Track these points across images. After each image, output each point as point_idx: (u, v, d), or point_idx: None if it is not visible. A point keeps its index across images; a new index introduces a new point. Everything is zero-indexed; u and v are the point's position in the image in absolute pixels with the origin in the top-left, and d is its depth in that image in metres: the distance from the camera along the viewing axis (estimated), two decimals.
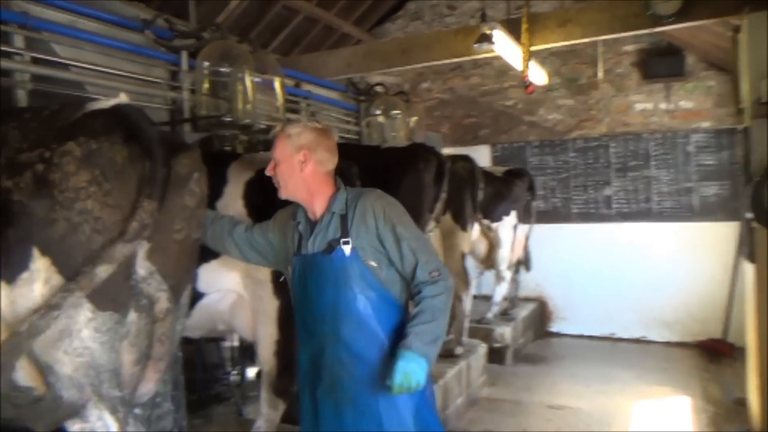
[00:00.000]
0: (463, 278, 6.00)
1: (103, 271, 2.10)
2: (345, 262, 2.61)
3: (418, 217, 5.02)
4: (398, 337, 2.57)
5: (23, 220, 2.01)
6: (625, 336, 8.26)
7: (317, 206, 2.72)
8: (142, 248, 2.25)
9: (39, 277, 2.06)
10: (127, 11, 4.63)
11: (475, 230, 6.64)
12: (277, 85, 4.96)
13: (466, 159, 6.24)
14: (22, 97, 3.46)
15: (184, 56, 4.54)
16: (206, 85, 4.45)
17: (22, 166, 2.05)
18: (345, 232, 2.62)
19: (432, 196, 5.15)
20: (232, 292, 3.39)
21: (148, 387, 2.46)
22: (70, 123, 2.14)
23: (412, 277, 2.63)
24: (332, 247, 2.62)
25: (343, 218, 2.65)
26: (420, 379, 2.45)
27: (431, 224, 5.24)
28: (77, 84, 3.84)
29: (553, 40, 5.64)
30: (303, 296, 2.74)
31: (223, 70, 4.44)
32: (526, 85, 5.48)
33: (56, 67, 3.73)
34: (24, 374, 2.26)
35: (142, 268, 2.27)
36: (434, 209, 5.24)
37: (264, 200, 3.37)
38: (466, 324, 6.16)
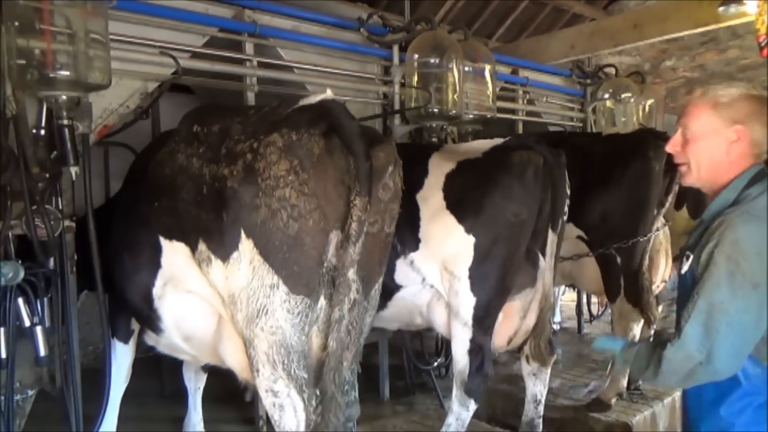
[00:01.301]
0: None
1: (351, 274, 2.30)
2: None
3: (646, 212, 4.48)
4: None
5: (234, 204, 2.24)
6: None
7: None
8: (336, 237, 2.34)
9: (245, 258, 2.27)
10: (349, 12, 4.90)
11: None
12: (487, 73, 4.80)
13: None
14: (250, 99, 3.86)
15: (395, 50, 4.64)
16: (415, 78, 4.49)
17: (236, 155, 2.28)
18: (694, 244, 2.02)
19: (662, 188, 4.54)
20: (430, 286, 3.37)
21: None
22: (281, 117, 2.33)
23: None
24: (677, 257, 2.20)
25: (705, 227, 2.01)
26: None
27: (660, 221, 4.62)
28: (299, 84, 4.17)
29: None
30: None
31: (431, 61, 4.43)
32: (761, 46, 4.46)
33: (281, 69, 4.09)
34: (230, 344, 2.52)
35: (335, 257, 2.36)
36: (665, 203, 4.61)
37: (463, 192, 3.30)
38: None
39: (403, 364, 4.83)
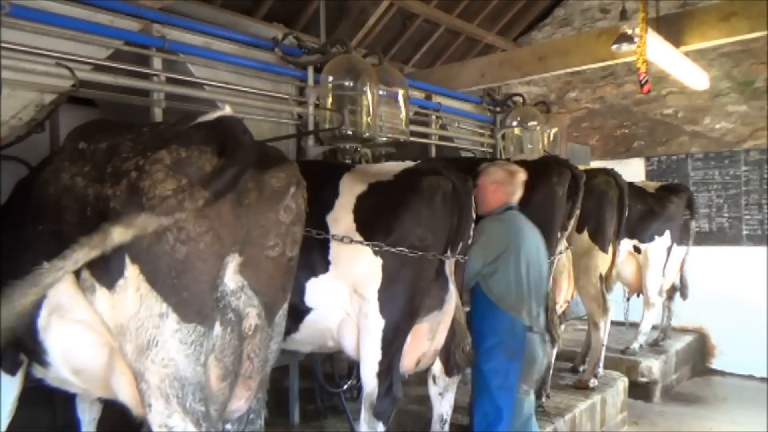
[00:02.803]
0: (601, 303, 5.48)
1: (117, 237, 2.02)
2: None
3: (549, 233, 4.66)
4: None
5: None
6: None
7: None
8: (234, 261, 2.23)
9: (132, 285, 2.10)
10: (264, 31, 4.87)
11: (622, 251, 6.06)
12: (401, 97, 4.90)
13: (609, 173, 5.69)
14: (158, 115, 3.74)
15: (310, 72, 4.66)
16: (330, 99, 4.52)
17: (121, 173, 2.12)
18: None
19: (565, 211, 4.77)
20: (340, 309, 3.34)
21: (239, 404, 2.44)
22: (174, 134, 2.18)
23: None
24: None
25: None
26: None
27: (563, 243, 4.86)
28: (210, 102, 4.09)
29: (713, 37, 4.95)
30: None
31: (345, 83, 4.48)
32: (641, 83, 4.90)
33: (191, 86, 4.00)
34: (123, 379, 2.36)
35: (233, 281, 2.25)
36: (567, 226, 4.86)
37: (373, 215, 3.32)
38: (603, 353, 5.59)
39: (314, 387, 4.77)
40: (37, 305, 2.35)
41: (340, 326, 3.41)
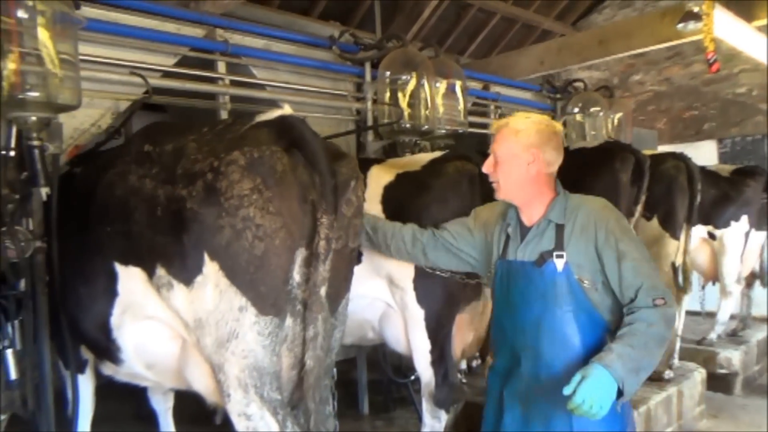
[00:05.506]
0: (673, 292, 5.27)
1: (323, 290, 2.25)
2: (555, 278, 2.41)
3: None
4: None
5: (195, 226, 2.16)
6: None
7: (534, 211, 2.53)
8: (300, 255, 2.30)
9: (210, 281, 2.19)
10: (321, 30, 4.97)
11: (694, 237, 5.82)
12: (458, 88, 4.89)
13: (678, 157, 5.47)
14: (224, 117, 3.88)
15: (367, 68, 4.72)
16: (387, 94, 4.56)
17: (194, 175, 2.20)
18: (560, 245, 2.42)
19: (630, 199, 4.63)
20: (379, 300, 3.35)
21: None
22: (239, 135, 2.26)
23: (631, 300, 2.35)
24: (544, 259, 2.43)
25: (560, 228, 2.44)
26: (604, 407, 2.14)
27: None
28: (272, 102, 4.20)
29: None
30: (505, 302, 2.61)
31: (402, 77, 4.50)
32: (710, 63, 4.66)
33: (254, 87, 4.12)
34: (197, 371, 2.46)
35: (299, 274, 2.32)
36: (634, 212, 4.71)
37: (401, 204, 3.29)
38: (678, 344, 5.39)
39: (382, 379, 4.83)
40: (110, 305, 2.49)
41: (382, 318, 3.42)
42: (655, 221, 5.35)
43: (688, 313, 5.62)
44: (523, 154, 2.46)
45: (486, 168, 2.58)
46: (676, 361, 5.35)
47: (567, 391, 2.16)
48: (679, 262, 5.36)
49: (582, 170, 4.57)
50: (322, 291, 2.31)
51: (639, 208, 4.64)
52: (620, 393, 2.19)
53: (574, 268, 2.38)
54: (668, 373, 5.22)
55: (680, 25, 4.80)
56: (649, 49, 5.70)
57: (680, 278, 5.26)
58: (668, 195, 5.28)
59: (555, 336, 2.42)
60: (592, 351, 2.34)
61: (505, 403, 2.57)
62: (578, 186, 4.47)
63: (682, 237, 5.37)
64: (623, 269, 2.34)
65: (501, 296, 2.62)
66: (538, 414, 2.45)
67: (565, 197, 2.52)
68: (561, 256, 2.39)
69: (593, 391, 2.13)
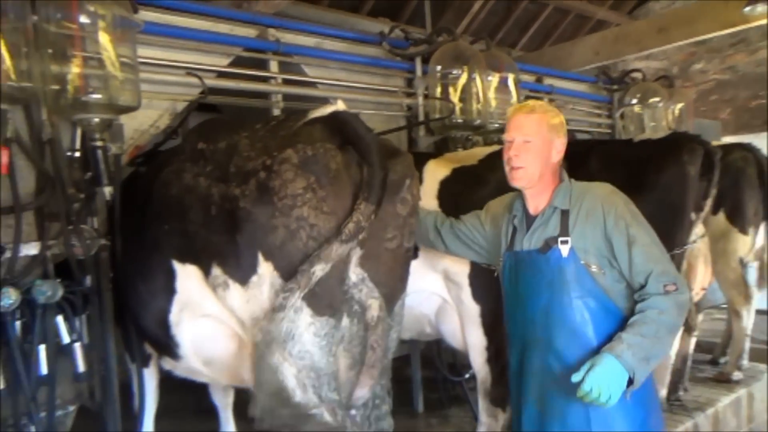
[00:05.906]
0: (742, 289, 5.01)
1: (319, 271, 2.13)
2: (561, 264, 2.37)
3: (682, 217, 4.33)
4: None
5: (248, 226, 2.13)
6: None
7: (540, 198, 2.51)
8: (355, 254, 2.25)
9: (265, 281, 2.17)
10: (370, 26, 4.95)
11: (761, 233, 5.53)
12: (510, 82, 4.79)
13: (747, 148, 5.21)
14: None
15: (417, 63, 4.68)
16: (438, 89, 4.51)
17: (248, 173, 2.17)
18: (565, 231, 2.39)
19: (699, 193, 4.42)
20: (435, 295, 3.30)
21: (362, 392, 2.49)
22: (293, 132, 2.22)
23: (642, 286, 2.31)
24: (549, 245, 2.41)
25: (565, 214, 2.42)
26: (613, 396, 2.14)
27: (699, 226, 4.48)
28: (324, 100, 4.21)
29: None
30: (514, 294, 2.58)
31: (453, 72, 4.44)
32: None
33: (306, 85, 4.15)
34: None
35: (354, 274, 2.28)
36: (702, 208, 4.49)
37: (457, 199, 3.22)
38: (748, 344, 5.13)
39: (436, 376, 4.79)
40: (169, 302, 2.52)
41: (438, 313, 3.37)
42: (721, 215, 5.11)
43: (759, 312, 5.33)
44: (555, 140, 2.44)
45: (509, 152, 2.48)
46: (745, 362, 5.10)
47: (575, 378, 2.17)
48: (748, 257, 5.10)
49: (645, 163, 4.41)
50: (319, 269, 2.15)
51: (709, 203, 4.42)
52: (630, 382, 2.19)
53: (580, 253, 2.35)
54: (737, 375, 4.98)
55: (747, 9, 4.55)
56: (713, 35, 5.43)
57: (751, 276, 4.99)
58: (735, 188, 5.03)
59: (565, 325, 2.38)
60: (606, 342, 2.30)
61: (521, 401, 2.55)
62: (641, 179, 4.37)
63: (751, 231, 5.11)
64: (633, 254, 2.30)
65: (510, 288, 2.60)
66: (553, 412, 2.41)
67: (570, 184, 2.48)
68: (566, 242, 2.36)
69: (602, 380, 2.14)
